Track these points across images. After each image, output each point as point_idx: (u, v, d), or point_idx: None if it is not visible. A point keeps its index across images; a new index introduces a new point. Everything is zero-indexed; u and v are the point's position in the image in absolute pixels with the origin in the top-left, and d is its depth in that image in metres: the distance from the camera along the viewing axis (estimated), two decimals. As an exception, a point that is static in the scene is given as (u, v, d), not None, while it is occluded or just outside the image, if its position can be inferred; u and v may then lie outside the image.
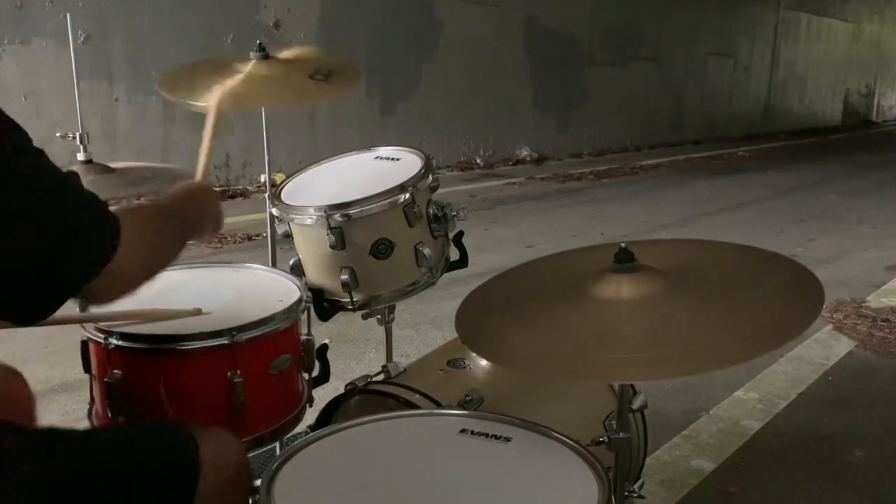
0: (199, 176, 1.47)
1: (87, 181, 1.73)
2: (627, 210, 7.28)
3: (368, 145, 1.93)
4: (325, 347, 1.67)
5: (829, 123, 19.28)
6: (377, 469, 1.15)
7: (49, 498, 1.00)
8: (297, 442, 1.21)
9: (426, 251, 1.66)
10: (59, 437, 1.08)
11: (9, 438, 1.01)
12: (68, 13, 1.89)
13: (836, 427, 2.78)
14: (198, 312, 1.47)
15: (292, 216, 1.66)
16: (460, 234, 1.83)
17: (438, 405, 1.50)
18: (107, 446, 1.11)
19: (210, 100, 1.69)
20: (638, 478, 1.81)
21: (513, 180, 8.99)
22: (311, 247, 1.68)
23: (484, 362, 1.64)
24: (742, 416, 2.82)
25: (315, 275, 1.70)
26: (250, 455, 1.48)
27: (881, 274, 4.97)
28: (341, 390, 1.62)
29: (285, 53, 1.93)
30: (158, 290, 1.57)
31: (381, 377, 1.68)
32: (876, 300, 4.34)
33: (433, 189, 1.72)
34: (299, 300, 1.52)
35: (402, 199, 1.60)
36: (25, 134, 0.96)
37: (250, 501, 1.22)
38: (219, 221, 1.41)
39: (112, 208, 1.05)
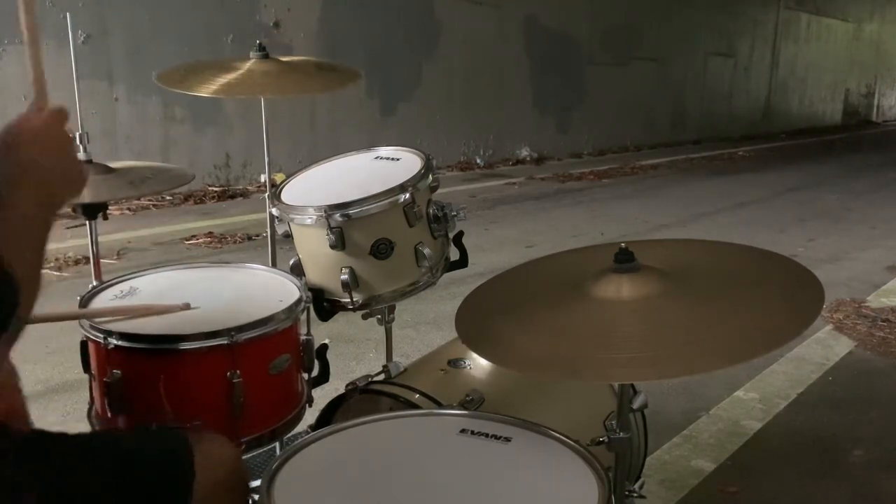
0: (38, 101, 1.01)
1: (87, 181, 1.73)
2: (627, 210, 7.27)
3: (368, 145, 1.93)
4: (324, 347, 1.67)
5: (829, 123, 19.26)
6: (377, 469, 1.15)
7: (38, 502, 1.00)
8: (297, 442, 1.21)
9: (426, 251, 1.66)
10: (49, 441, 1.08)
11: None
12: (68, 13, 1.89)
13: (836, 427, 2.78)
14: (186, 307, 1.47)
15: (292, 216, 1.66)
16: (460, 234, 1.83)
17: (439, 405, 1.50)
18: (99, 451, 1.11)
19: None
20: (638, 477, 1.81)
21: (513, 180, 8.99)
22: (311, 247, 1.68)
23: (484, 362, 1.64)
24: (742, 416, 2.82)
25: (315, 275, 1.70)
26: (250, 455, 1.48)
27: (881, 274, 4.97)
28: (341, 390, 1.62)
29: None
30: (159, 289, 1.58)
31: (381, 377, 1.68)
32: (876, 300, 4.34)
33: (433, 189, 1.71)
34: (299, 300, 1.51)
35: (402, 199, 1.60)
36: None
37: (250, 502, 1.22)
38: (77, 175, 1.01)
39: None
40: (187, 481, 1.10)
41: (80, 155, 1.79)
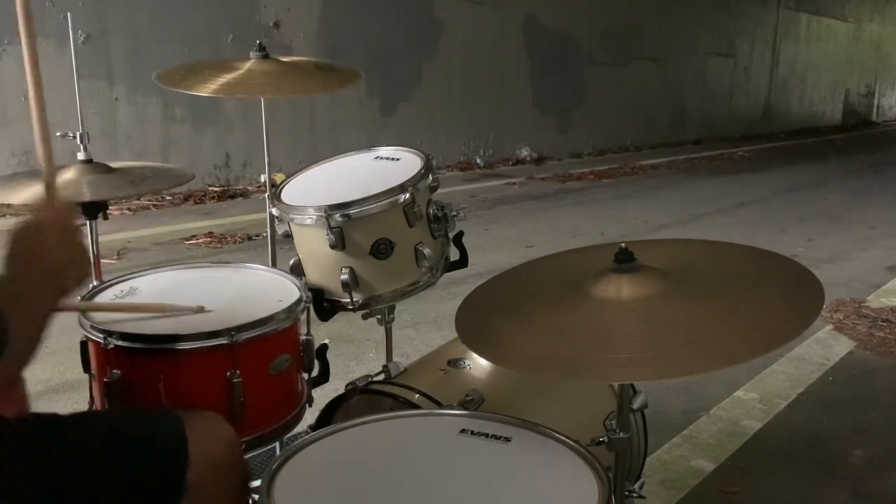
0: (48, 195, 1.10)
1: (87, 181, 1.74)
2: (627, 210, 7.28)
3: (368, 145, 1.93)
4: (324, 347, 1.67)
5: (829, 123, 19.26)
6: (377, 469, 1.15)
7: (35, 488, 1.00)
8: (297, 442, 1.21)
9: (426, 251, 1.66)
10: (46, 435, 1.08)
11: None
12: (68, 13, 1.89)
13: (836, 427, 2.78)
14: (201, 310, 1.46)
15: (292, 216, 1.66)
16: (460, 234, 1.83)
17: (439, 405, 1.50)
18: (95, 443, 1.11)
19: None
20: (638, 478, 1.81)
21: (513, 180, 8.99)
22: (311, 247, 1.68)
23: (484, 362, 1.64)
24: (742, 416, 2.82)
25: (315, 275, 1.70)
26: (250, 455, 1.48)
27: (881, 274, 4.97)
28: (341, 390, 1.62)
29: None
30: (159, 289, 1.57)
31: (381, 377, 1.68)
32: (876, 300, 4.34)
33: (433, 189, 1.71)
34: (299, 300, 1.51)
35: (402, 199, 1.60)
36: None
37: (250, 501, 1.22)
38: (85, 263, 1.09)
39: None
40: (182, 460, 1.10)
41: (80, 155, 1.79)
